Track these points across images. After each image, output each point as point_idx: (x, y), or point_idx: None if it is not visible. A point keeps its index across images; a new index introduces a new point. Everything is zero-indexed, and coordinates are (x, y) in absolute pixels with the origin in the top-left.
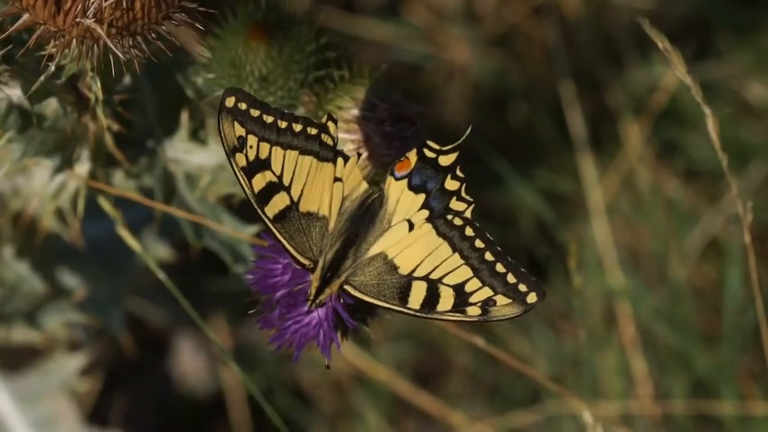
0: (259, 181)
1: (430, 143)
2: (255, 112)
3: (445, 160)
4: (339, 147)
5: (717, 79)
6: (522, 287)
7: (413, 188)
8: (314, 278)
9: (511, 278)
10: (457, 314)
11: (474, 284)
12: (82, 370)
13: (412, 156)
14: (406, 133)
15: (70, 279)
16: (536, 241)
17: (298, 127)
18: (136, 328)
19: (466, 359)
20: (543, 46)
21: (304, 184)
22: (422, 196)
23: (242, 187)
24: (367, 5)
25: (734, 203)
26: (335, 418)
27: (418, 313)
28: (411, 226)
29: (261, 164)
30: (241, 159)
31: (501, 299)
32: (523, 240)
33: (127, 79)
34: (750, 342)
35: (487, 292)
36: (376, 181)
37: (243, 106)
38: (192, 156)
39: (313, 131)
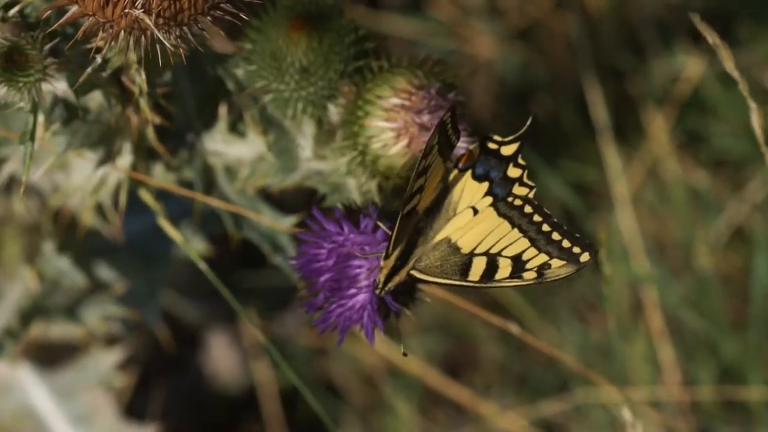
0: (418, 183)
1: (492, 136)
2: (449, 128)
3: (507, 150)
4: (379, 135)
5: (739, 68)
6: (576, 249)
7: (477, 177)
8: (385, 266)
9: (565, 243)
10: (514, 280)
11: (531, 253)
12: (119, 365)
13: (475, 149)
14: None
15: (107, 273)
16: None
17: (453, 139)
18: (169, 324)
19: (495, 350)
20: (566, 39)
21: (429, 188)
22: (486, 184)
23: (410, 185)
24: (390, 1)
25: (758, 191)
26: (367, 411)
27: (476, 284)
28: (475, 213)
29: (426, 170)
30: (422, 164)
31: (556, 262)
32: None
33: (168, 73)
34: None
35: (543, 258)
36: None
37: (449, 122)
38: (231, 148)
39: (456, 142)
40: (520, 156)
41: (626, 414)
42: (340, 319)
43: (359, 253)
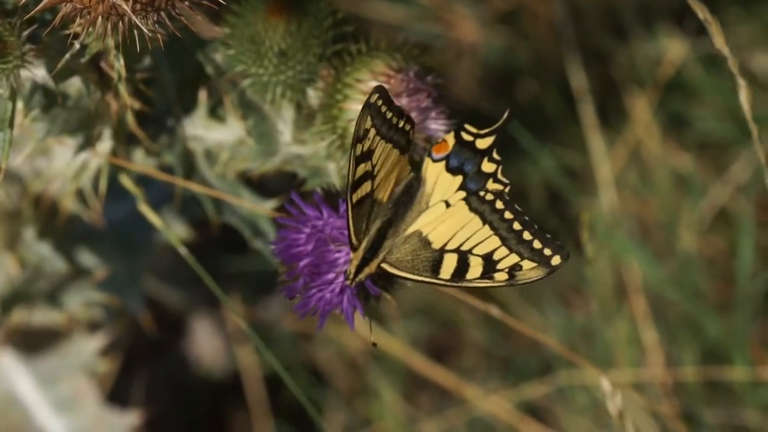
0: (361, 170)
1: (467, 127)
2: (384, 108)
3: (482, 143)
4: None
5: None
6: (547, 251)
7: (451, 170)
8: (355, 257)
9: (537, 244)
10: (485, 281)
11: (502, 252)
12: (102, 351)
13: (450, 138)
14: (423, 104)
15: (89, 259)
16: (546, 216)
17: (401, 123)
18: (153, 309)
19: (479, 334)
20: (550, 23)
21: (384, 175)
22: (459, 178)
23: (348, 173)
24: None
25: (741, 173)
26: (351, 396)
27: (448, 283)
28: (448, 206)
29: (368, 155)
30: (358, 149)
31: (527, 264)
32: (532, 214)
33: (147, 59)
34: (761, 309)
35: (514, 259)
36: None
37: (380, 102)
38: (211, 133)
39: (407, 127)
40: (495, 150)
41: (605, 384)
42: (320, 303)
43: (334, 241)
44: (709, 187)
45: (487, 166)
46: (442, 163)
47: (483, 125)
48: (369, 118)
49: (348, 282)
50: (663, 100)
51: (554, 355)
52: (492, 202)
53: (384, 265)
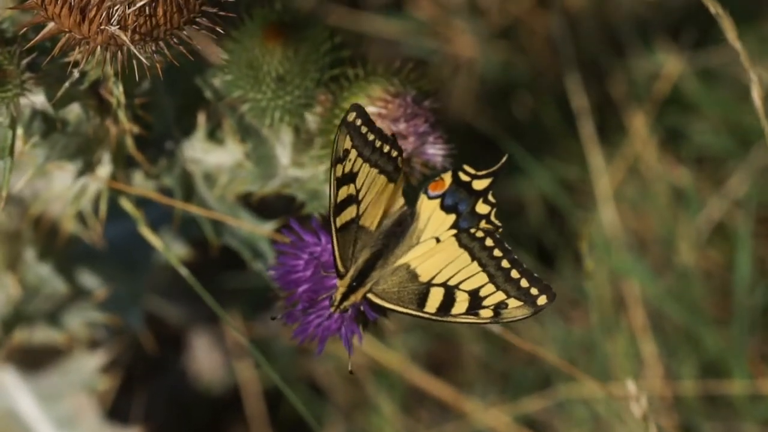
0: (343, 192)
1: (466, 167)
2: (364, 129)
3: (479, 185)
4: None
5: (718, 65)
6: (533, 291)
7: (445, 208)
8: (341, 285)
9: (524, 283)
10: (470, 317)
11: (488, 289)
12: (102, 369)
13: (447, 177)
14: (421, 128)
15: (89, 279)
16: (544, 230)
17: (386, 148)
18: (152, 325)
19: (478, 348)
20: (547, 38)
21: (370, 201)
22: (453, 216)
23: (330, 195)
24: (372, 2)
25: (739, 187)
26: (350, 410)
27: (433, 317)
28: (438, 242)
29: (350, 177)
30: (339, 170)
31: (513, 302)
32: (531, 229)
33: (146, 83)
34: (759, 323)
35: (500, 296)
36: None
37: (359, 122)
38: (210, 156)
39: (394, 153)
40: (491, 193)
41: (630, 386)
42: (318, 329)
43: (329, 269)
44: (706, 201)
45: (482, 208)
46: (437, 201)
47: (480, 141)
48: (348, 138)
49: (332, 309)
50: (660, 115)
51: (553, 369)
52: (482, 240)
53: (370, 296)
